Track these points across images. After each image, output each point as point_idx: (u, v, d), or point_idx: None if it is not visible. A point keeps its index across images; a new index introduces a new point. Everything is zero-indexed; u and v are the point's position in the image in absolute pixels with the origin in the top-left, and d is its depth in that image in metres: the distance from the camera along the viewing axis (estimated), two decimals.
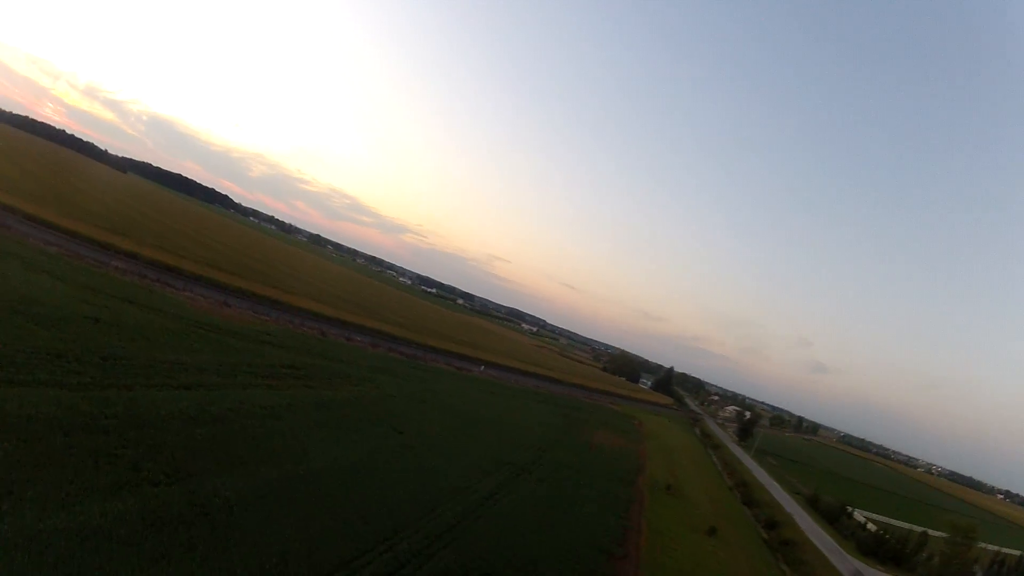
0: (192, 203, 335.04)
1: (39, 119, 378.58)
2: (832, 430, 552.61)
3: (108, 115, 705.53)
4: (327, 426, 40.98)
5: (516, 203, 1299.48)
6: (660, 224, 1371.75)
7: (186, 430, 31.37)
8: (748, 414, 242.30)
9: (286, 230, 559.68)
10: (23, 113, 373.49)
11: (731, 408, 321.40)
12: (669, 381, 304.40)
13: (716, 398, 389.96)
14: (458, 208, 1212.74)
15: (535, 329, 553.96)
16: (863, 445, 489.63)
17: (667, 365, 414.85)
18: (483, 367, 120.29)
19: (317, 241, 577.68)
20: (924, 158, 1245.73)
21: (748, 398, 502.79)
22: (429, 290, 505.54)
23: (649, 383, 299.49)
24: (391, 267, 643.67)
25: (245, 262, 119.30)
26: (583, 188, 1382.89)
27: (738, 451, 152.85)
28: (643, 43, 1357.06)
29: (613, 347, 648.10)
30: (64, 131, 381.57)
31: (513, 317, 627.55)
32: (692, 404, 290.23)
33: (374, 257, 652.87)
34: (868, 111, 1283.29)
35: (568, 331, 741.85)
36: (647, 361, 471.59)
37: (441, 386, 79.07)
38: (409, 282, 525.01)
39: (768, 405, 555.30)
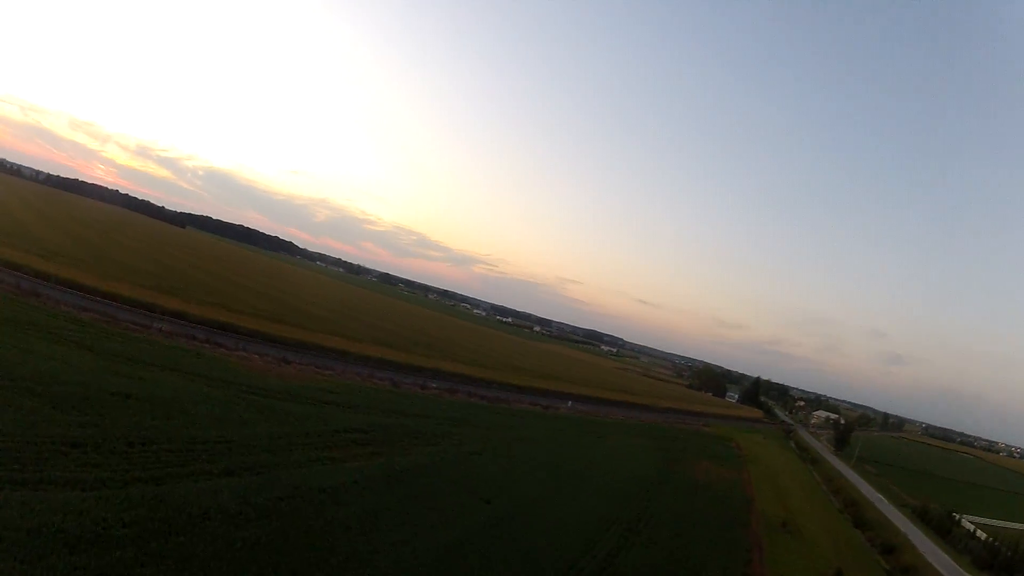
0: (254, 253, 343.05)
1: (90, 181, 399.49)
2: (914, 422, 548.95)
3: (163, 172, 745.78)
4: (400, 506, 34.47)
5: (581, 224, 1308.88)
6: (725, 229, 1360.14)
7: (224, 533, 25.47)
8: (842, 420, 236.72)
9: (355, 272, 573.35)
10: (72, 176, 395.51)
11: (820, 413, 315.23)
12: (756, 392, 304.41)
13: (802, 404, 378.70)
14: (524, 234, 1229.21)
15: (614, 350, 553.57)
16: (946, 435, 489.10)
17: (748, 373, 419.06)
18: (570, 403, 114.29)
19: (387, 280, 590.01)
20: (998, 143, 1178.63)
21: (831, 398, 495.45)
22: (504, 320, 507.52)
23: (736, 396, 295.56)
24: (464, 299, 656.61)
25: (308, 310, 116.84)
26: (645, 203, 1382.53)
27: (836, 462, 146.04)
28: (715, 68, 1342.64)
29: (693, 359, 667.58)
30: (117, 191, 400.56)
31: (591, 339, 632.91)
32: (781, 414, 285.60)
33: (446, 291, 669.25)
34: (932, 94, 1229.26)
35: (647, 347, 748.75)
36: (729, 371, 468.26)
37: (528, 432, 72.29)
38: (483, 313, 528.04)
39: (850, 403, 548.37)
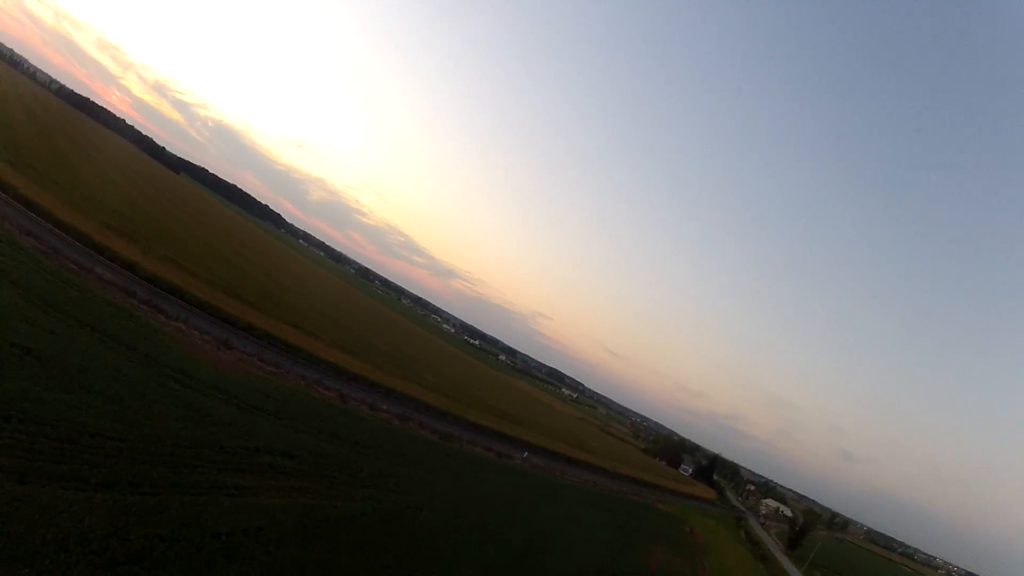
0: (238, 216, 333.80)
1: (101, 104, 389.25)
2: (857, 524, 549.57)
3: (175, 114, 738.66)
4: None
5: (566, 261, 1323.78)
6: (707, 297, 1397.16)
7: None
8: (796, 516, 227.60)
9: (335, 259, 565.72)
10: (86, 95, 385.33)
11: (770, 502, 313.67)
12: (712, 470, 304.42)
13: (752, 488, 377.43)
14: (508, 259, 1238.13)
15: (575, 395, 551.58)
16: (888, 543, 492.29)
17: (701, 444, 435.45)
18: (526, 453, 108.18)
19: (365, 275, 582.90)
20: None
21: (779, 484, 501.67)
22: (472, 341, 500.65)
23: (690, 469, 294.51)
24: (436, 311, 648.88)
25: (271, 290, 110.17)
26: (633, 256, 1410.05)
27: (787, 564, 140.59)
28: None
29: (649, 419, 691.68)
30: (124, 120, 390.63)
31: (553, 378, 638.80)
32: (732, 497, 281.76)
33: (420, 298, 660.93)
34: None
35: (606, 398, 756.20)
36: (685, 440, 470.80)
37: (478, 485, 66.02)
38: (452, 330, 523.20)
39: (796, 493, 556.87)
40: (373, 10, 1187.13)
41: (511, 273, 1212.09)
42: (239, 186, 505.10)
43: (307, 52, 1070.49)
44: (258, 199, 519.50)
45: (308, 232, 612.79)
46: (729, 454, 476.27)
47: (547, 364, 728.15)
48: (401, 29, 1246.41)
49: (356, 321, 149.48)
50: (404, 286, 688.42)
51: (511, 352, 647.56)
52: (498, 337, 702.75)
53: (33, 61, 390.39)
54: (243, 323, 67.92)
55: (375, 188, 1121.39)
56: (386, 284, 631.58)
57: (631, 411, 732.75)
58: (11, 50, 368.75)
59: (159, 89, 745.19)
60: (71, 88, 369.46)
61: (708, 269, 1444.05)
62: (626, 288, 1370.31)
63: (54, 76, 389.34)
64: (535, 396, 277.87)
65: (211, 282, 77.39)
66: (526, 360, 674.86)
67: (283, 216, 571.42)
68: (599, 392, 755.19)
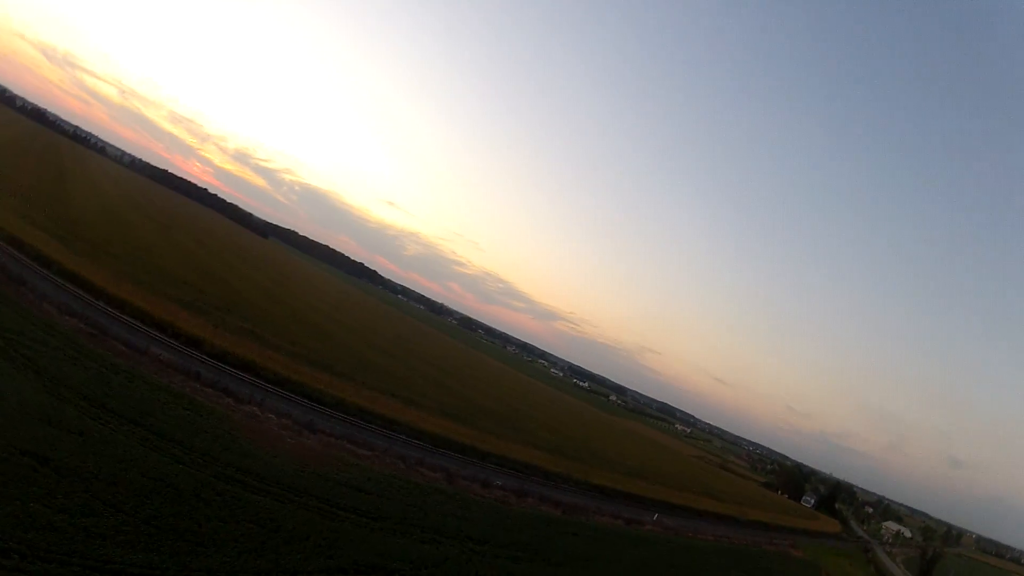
0: (331, 275, 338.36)
1: (182, 175, 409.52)
2: (967, 532, 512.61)
3: (259, 181, 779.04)
4: None
5: (669, 293, 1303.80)
6: (816, 317, 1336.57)
7: None
8: (929, 550, 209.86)
9: (436, 311, 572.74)
10: (164, 167, 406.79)
11: (890, 525, 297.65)
12: (834, 499, 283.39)
13: (870, 511, 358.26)
14: (609, 294, 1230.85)
15: (688, 430, 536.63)
16: (998, 550, 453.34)
17: (812, 464, 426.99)
18: (656, 515, 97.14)
19: (468, 325, 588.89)
20: None
21: (892, 501, 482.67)
22: (582, 383, 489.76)
23: (812, 500, 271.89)
24: (543, 355, 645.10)
25: (366, 355, 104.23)
26: (738, 281, 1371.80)
27: None
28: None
29: (762, 446, 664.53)
30: (206, 190, 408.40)
31: (664, 413, 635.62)
32: (857, 527, 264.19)
33: (526, 344, 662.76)
34: None
35: (718, 428, 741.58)
36: (801, 465, 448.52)
37: (611, 568, 55.34)
38: (561, 374, 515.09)
39: (908, 507, 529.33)
40: (451, 65, 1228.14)
41: (614, 308, 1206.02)
42: (332, 246, 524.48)
43: (391, 114, 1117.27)
44: (352, 258, 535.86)
45: (406, 287, 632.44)
46: (841, 473, 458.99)
47: (656, 399, 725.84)
48: (486, 82, 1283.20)
49: (461, 379, 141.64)
50: (508, 332, 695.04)
51: (620, 390, 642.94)
52: (606, 375, 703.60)
53: (107, 139, 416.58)
54: (331, 398, 60.27)
55: (471, 238, 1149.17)
56: (489, 332, 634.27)
57: (743, 439, 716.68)
58: (75, 126, 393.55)
59: (241, 158, 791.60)
60: (147, 161, 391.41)
61: (818, 289, 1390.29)
62: (728, 313, 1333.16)
63: (128, 151, 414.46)
64: (652, 438, 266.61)
65: (294, 353, 71.01)
66: (636, 397, 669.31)
67: (379, 272, 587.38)
68: (710, 423, 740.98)
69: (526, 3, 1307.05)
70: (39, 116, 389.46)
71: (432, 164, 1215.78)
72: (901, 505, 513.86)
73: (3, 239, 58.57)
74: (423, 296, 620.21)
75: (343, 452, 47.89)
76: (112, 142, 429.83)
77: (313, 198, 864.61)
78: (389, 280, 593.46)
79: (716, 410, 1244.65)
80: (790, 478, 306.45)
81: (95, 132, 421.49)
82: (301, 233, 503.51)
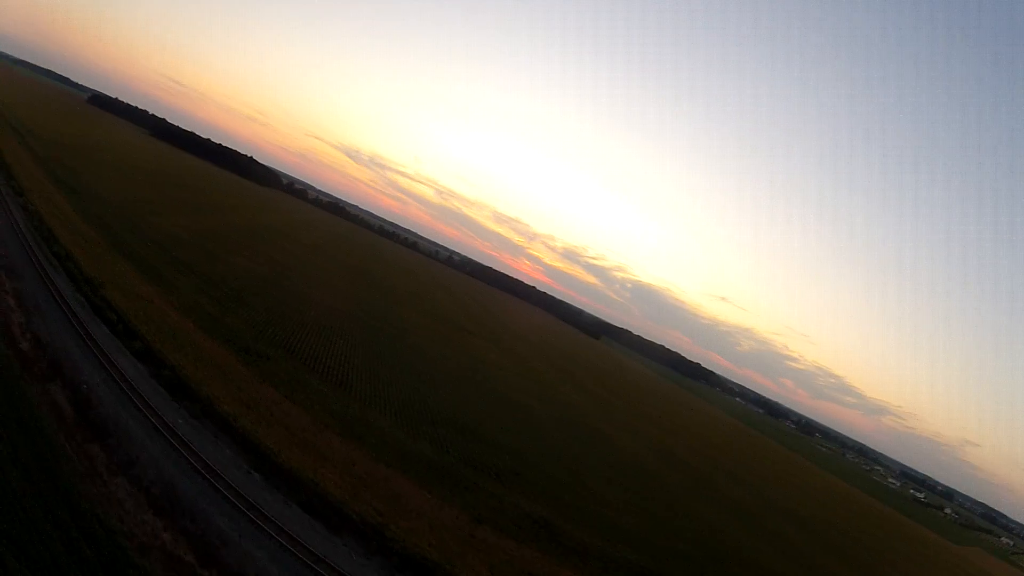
0: (661, 379, 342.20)
1: (510, 272, 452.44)
2: None
3: (590, 278, 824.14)
4: None
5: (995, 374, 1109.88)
6: None
7: None
8: None
9: (773, 413, 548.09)
10: (488, 264, 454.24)
11: None
12: None
13: None
14: (941, 385, 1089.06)
15: (1010, 543, 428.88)
16: None
17: None
18: None
19: (806, 428, 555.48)
20: None
21: None
22: (918, 495, 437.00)
23: None
24: (876, 458, 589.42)
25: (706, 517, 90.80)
26: None
27: None
28: None
29: None
30: (535, 288, 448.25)
31: (988, 520, 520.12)
32: None
33: (862, 446, 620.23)
34: None
35: None
36: None
37: None
38: (897, 484, 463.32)
39: None
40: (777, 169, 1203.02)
41: (940, 400, 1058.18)
42: (666, 345, 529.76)
43: (718, 210, 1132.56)
44: (688, 357, 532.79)
45: (741, 384, 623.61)
46: None
47: (978, 500, 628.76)
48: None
49: (808, 530, 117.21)
50: (840, 430, 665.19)
51: (947, 495, 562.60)
52: (928, 473, 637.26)
53: (429, 236, 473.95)
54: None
55: (802, 331, 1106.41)
56: (826, 435, 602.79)
57: None
58: (394, 224, 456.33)
59: (570, 256, 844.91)
60: (470, 257, 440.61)
61: None
62: None
63: (447, 246, 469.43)
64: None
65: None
66: (961, 502, 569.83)
67: (715, 372, 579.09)
68: None
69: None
70: (337, 209, 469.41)
71: (762, 258, 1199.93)
72: None
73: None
74: (761, 396, 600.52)
75: None
76: (430, 238, 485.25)
77: (646, 295, 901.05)
78: (724, 378, 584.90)
79: None
80: None
81: (411, 228, 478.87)
82: (635, 332, 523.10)
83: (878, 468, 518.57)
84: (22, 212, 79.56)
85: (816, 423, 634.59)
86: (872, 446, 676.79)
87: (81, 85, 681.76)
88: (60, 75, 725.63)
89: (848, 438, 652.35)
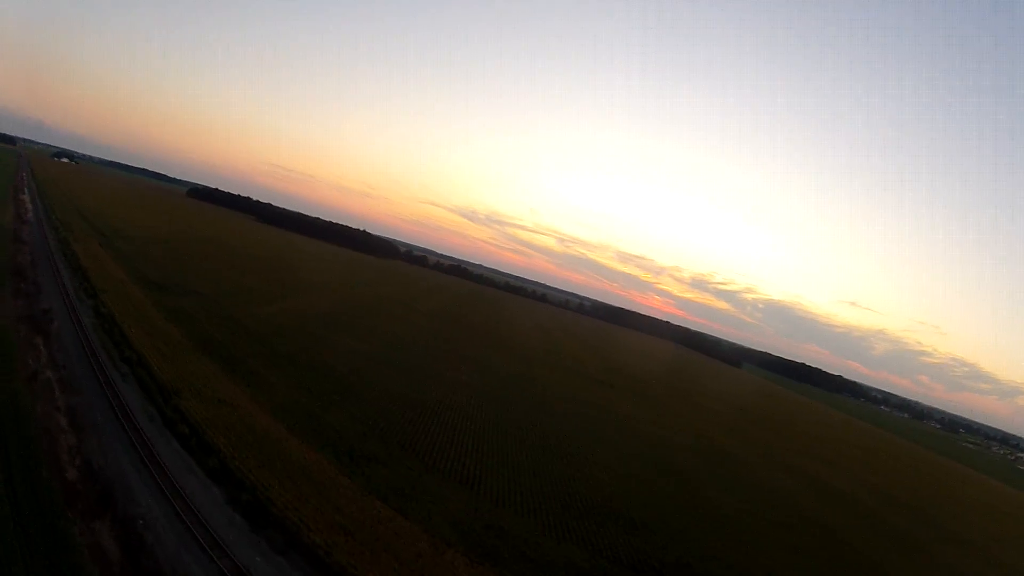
0: (806, 398, 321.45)
1: (640, 311, 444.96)
2: None
3: (721, 304, 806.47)
4: None
5: None
6: None
7: None
8: None
9: (917, 415, 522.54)
10: (620, 304, 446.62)
11: None
12: None
13: None
14: None
15: None
16: None
17: None
18: None
19: (950, 426, 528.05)
20: None
21: None
22: None
23: None
24: (1016, 444, 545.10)
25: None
26: None
27: None
28: None
29: None
30: (668, 323, 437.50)
31: None
32: None
33: (1004, 433, 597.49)
34: None
35: None
36: None
37: None
38: None
39: None
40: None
41: None
42: (803, 361, 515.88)
43: (839, 207, 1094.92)
44: (826, 370, 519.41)
45: (880, 388, 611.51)
46: None
47: None
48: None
49: (983, 559, 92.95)
50: (978, 420, 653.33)
51: None
52: None
53: (559, 286, 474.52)
54: None
55: (933, 323, 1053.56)
56: (968, 429, 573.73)
57: None
58: (520, 278, 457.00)
59: (699, 284, 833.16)
60: (601, 301, 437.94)
61: None
62: None
63: (576, 292, 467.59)
64: None
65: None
66: None
67: (857, 382, 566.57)
68: None
69: None
70: (459, 271, 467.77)
71: (885, 253, 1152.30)
72: None
73: None
74: (902, 399, 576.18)
75: None
76: (558, 287, 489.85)
77: (777, 312, 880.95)
78: (866, 387, 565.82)
79: None
80: None
81: (538, 279, 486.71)
82: (774, 353, 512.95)
83: (1021, 455, 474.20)
84: (92, 315, 73.87)
85: (958, 417, 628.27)
86: (1011, 431, 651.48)
87: (180, 180, 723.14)
88: (155, 172, 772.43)
89: (990, 428, 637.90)
